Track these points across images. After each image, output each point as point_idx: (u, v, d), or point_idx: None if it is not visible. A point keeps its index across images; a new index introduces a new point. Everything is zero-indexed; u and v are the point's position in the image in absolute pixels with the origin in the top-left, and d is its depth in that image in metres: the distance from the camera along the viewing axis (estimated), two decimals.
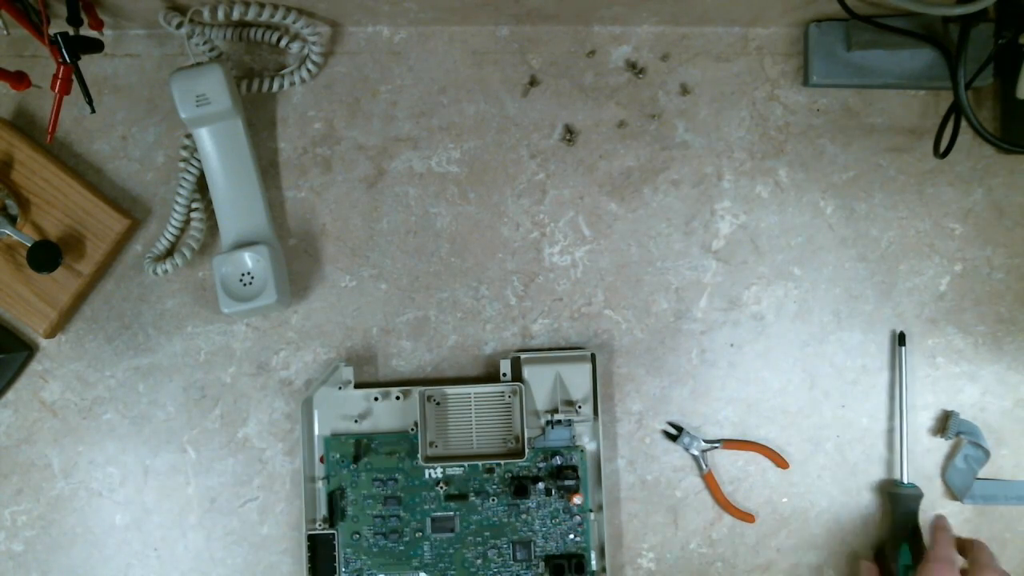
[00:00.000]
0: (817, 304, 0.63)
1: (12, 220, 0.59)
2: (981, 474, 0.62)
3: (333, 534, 0.59)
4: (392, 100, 0.63)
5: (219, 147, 0.59)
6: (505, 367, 0.60)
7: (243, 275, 0.59)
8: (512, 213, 0.63)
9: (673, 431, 0.61)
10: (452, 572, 0.60)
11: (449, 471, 0.60)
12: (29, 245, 0.57)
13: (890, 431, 0.62)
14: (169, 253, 0.61)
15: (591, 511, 0.60)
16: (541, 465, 0.60)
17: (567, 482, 0.59)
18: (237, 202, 0.60)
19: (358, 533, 0.60)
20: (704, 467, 0.61)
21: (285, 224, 0.63)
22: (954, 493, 0.62)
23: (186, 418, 0.62)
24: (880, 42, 0.60)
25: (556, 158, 0.63)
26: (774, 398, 0.62)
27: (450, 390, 0.60)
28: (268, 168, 0.62)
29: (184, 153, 0.60)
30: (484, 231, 0.63)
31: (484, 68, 0.63)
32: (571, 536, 0.60)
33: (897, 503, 0.60)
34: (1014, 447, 0.62)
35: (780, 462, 0.61)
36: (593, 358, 0.60)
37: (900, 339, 0.61)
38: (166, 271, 0.60)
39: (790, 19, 0.62)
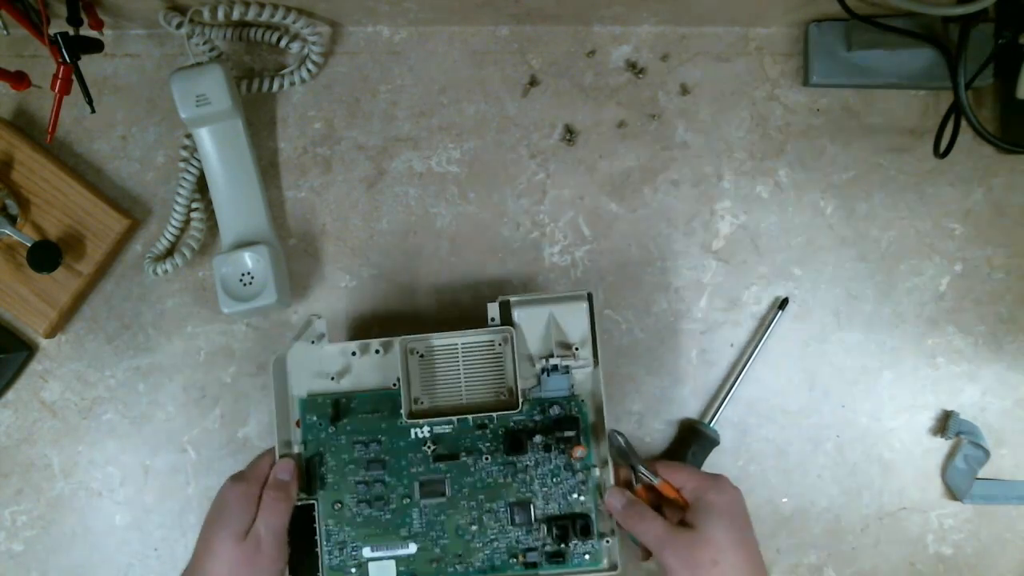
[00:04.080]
0: (817, 304, 0.63)
1: (12, 220, 0.59)
2: (981, 474, 0.62)
3: (313, 504, 0.54)
4: (392, 100, 0.63)
5: (219, 147, 0.59)
6: (493, 311, 0.55)
7: (243, 275, 0.59)
8: (512, 213, 0.63)
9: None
10: (444, 541, 0.54)
11: (437, 429, 0.54)
12: (29, 245, 0.57)
13: (890, 431, 0.62)
14: (169, 253, 0.61)
15: (595, 466, 0.55)
16: (538, 418, 0.54)
17: (566, 433, 0.53)
18: (237, 202, 0.60)
19: (340, 502, 0.54)
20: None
21: (285, 224, 0.63)
22: (954, 493, 0.62)
23: (186, 418, 0.62)
24: (880, 42, 0.60)
25: (556, 158, 0.63)
26: (774, 398, 0.62)
27: (436, 340, 0.54)
28: (268, 168, 0.62)
29: (184, 153, 0.60)
30: (484, 231, 0.63)
31: (484, 68, 0.63)
32: (574, 495, 0.54)
33: (693, 437, 0.60)
34: (1014, 447, 0.62)
35: (683, 502, 0.53)
36: (590, 297, 0.55)
37: (782, 304, 0.62)
38: (166, 271, 0.60)
39: (790, 19, 0.62)
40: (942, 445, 0.62)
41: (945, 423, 0.62)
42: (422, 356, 0.54)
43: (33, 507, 0.62)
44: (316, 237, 0.63)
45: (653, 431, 0.62)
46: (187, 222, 0.61)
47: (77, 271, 0.60)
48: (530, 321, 0.54)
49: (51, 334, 0.61)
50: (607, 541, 0.54)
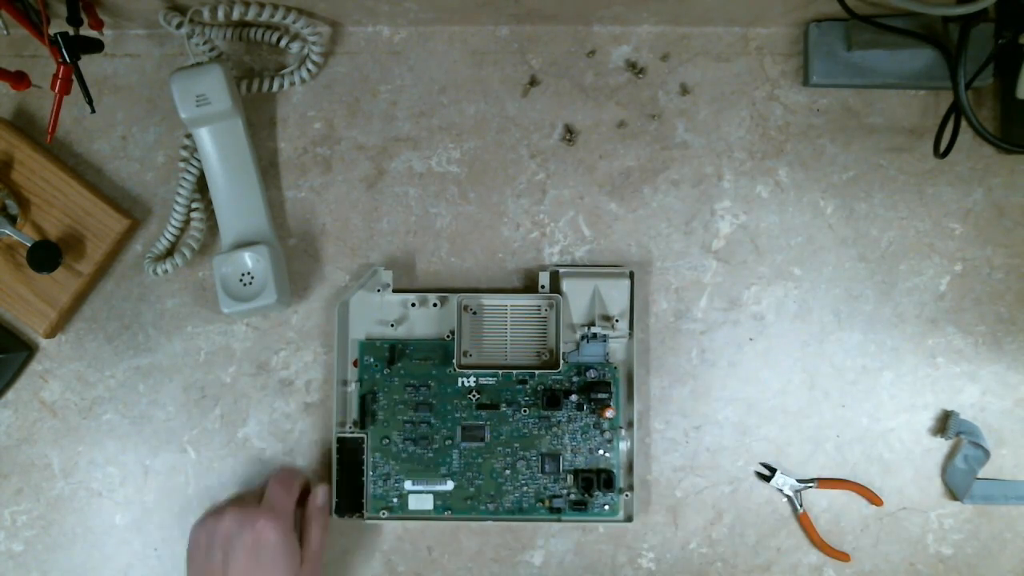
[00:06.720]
0: (817, 304, 0.63)
1: (12, 220, 0.59)
2: (981, 474, 0.62)
3: (363, 437, 0.60)
4: (392, 100, 0.63)
5: (219, 147, 0.59)
6: (544, 279, 0.60)
7: (243, 275, 0.59)
8: (512, 213, 0.63)
9: (767, 472, 0.61)
10: (480, 481, 0.60)
11: (482, 380, 0.60)
12: (29, 245, 0.57)
13: (890, 431, 0.62)
14: (169, 253, 0.61)
15: (622, 427, 0.60)
16: (574, 379, 0.60)
17: (600, 395, 0.59)
18: (237, 202, 0.60)
19: (388, 438, 0.60)
20: (799, 507, 0.61)
21: (285, 224, 0.63)
22: (954, 493, 0.62)
23: (186, 418, 0.62)
24: (880, 42, 0.60)
25: (556, 158, 0.63)
26: (774, 398, 0.62)
27: (487, 300, 0.59)
28: (268, 168, 0.62)
29: (184, 153, 0.60)
30: (484, 231, 0.63)
31: (484, 68, 0.63)
32: (600, 451, 0.60)
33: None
34: (1014, 447, 0.62)
35: (874, 499, 0.61)
36: (631, 275, 0.60)
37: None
38: (166, 271, 0.60)
39: (790, 19, 0.62)
40: (942, 445, 0.62)
41: (945, 423, 0.62)
42: (474, 313, 0.60)
43: (33, 507, 0.62)
44: (316, 237, 0.63)
45: (652, 431, 0.62)
46: (187, 222, 0.61)
47: (77, 271, 0.60)
48: (576, 291, 0.59)
49: (51, 334, 0.61)
50: (626, 495, 0.60)
